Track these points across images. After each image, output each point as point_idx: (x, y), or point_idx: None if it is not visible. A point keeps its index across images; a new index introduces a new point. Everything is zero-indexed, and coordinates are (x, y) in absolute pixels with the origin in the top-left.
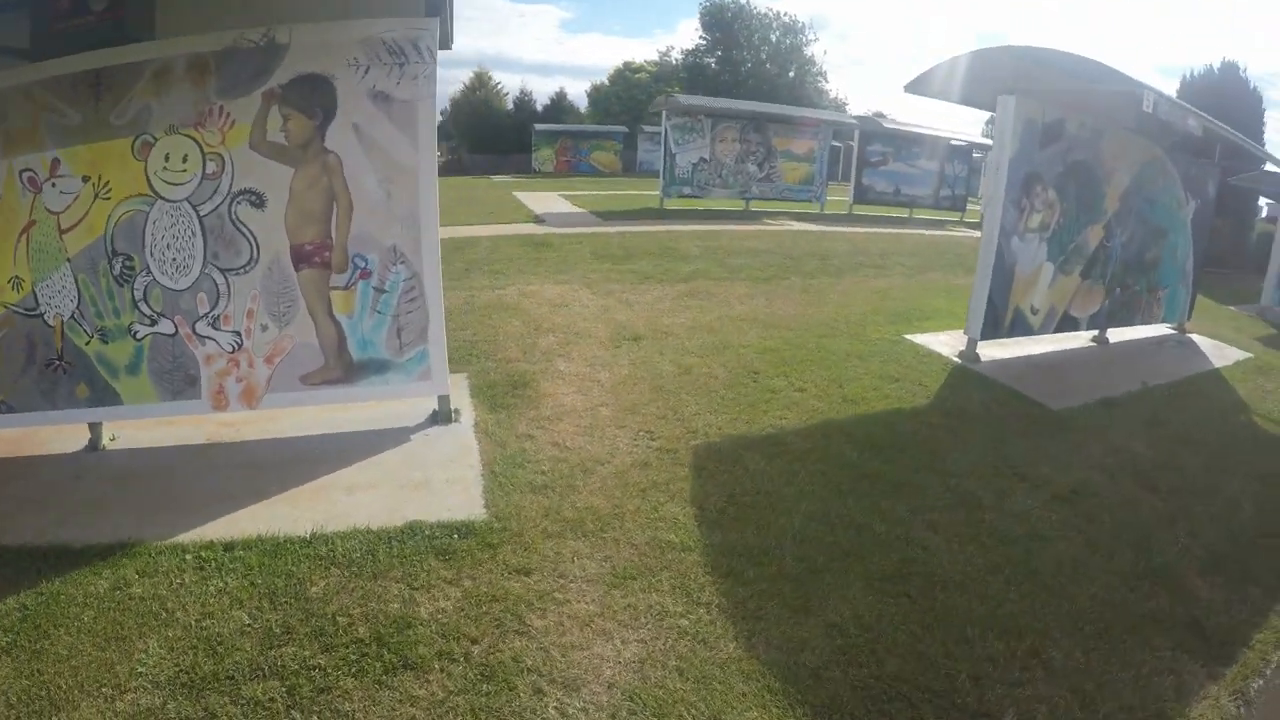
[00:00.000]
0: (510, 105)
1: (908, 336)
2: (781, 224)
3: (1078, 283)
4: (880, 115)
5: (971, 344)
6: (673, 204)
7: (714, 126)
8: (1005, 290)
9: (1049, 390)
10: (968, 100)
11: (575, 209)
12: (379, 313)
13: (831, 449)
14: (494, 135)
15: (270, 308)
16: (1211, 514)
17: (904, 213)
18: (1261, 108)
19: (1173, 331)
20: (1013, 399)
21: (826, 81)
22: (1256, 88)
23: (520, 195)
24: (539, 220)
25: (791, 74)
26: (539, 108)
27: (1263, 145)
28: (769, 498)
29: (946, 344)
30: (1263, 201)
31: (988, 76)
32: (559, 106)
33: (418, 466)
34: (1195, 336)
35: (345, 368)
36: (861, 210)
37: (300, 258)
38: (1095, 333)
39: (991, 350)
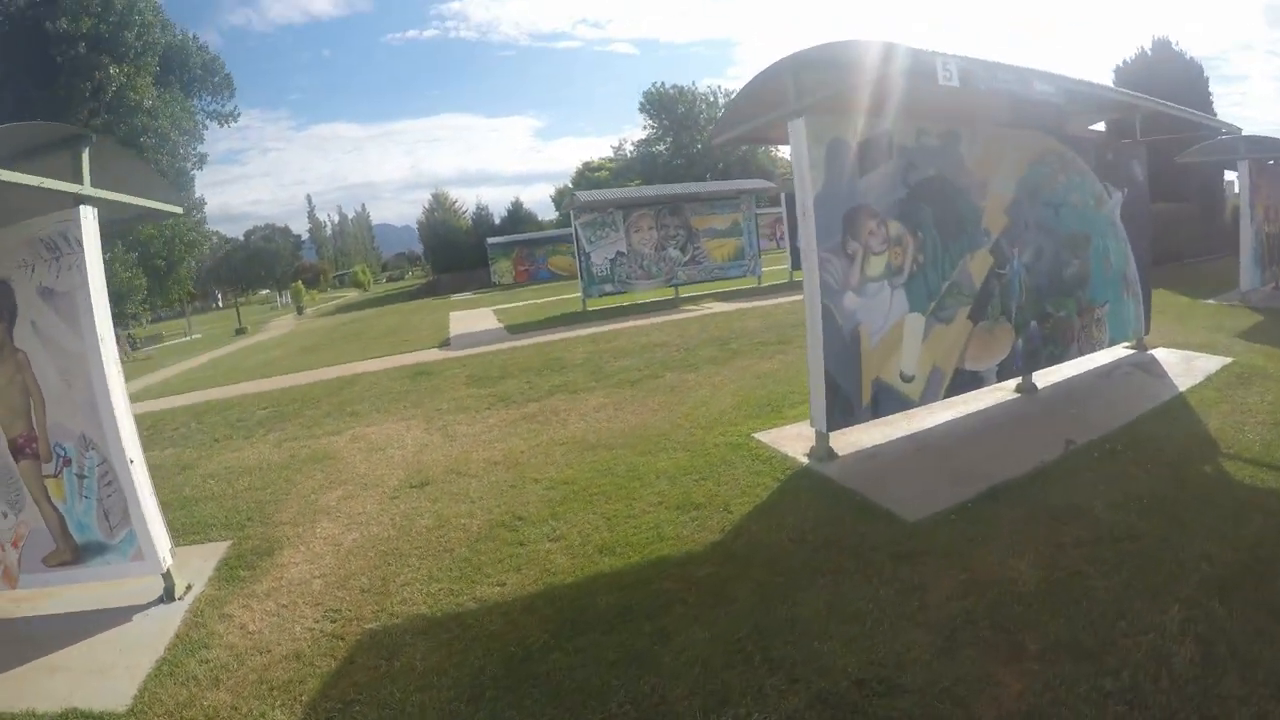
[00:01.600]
0: (470, 221)
1: (757, 435)
2: (702, 308)
3: (967, 329)
4: None
5: (821, 439)
6: (596, 304)
7: (626, 217)
8: (852, 363)
9: (915, 488)
10: (774, 138)
11: (494, 325)
12: (85, 497)
13: (512, 631)
14: (456, 253)
15: (5, 496)
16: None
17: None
18: (1204, 78)
19: (1131, 352)
20: (852, 514)
21: (778, 148)
22: (1195, 59)
23: (455, 315)
24: (445, 344)
25: (744, 146)
26: (496, 220)
27: (1212, 112)
28: (386, 711)
29: (801, 439)
30: (1230, 176)
31: (775, 102)
32: (516, 216)
33: (115, 650)
34: (1159, 352)
35: (72, 550)
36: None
37: (16, 450)
38: (1019, 381)
39: (863, 435)
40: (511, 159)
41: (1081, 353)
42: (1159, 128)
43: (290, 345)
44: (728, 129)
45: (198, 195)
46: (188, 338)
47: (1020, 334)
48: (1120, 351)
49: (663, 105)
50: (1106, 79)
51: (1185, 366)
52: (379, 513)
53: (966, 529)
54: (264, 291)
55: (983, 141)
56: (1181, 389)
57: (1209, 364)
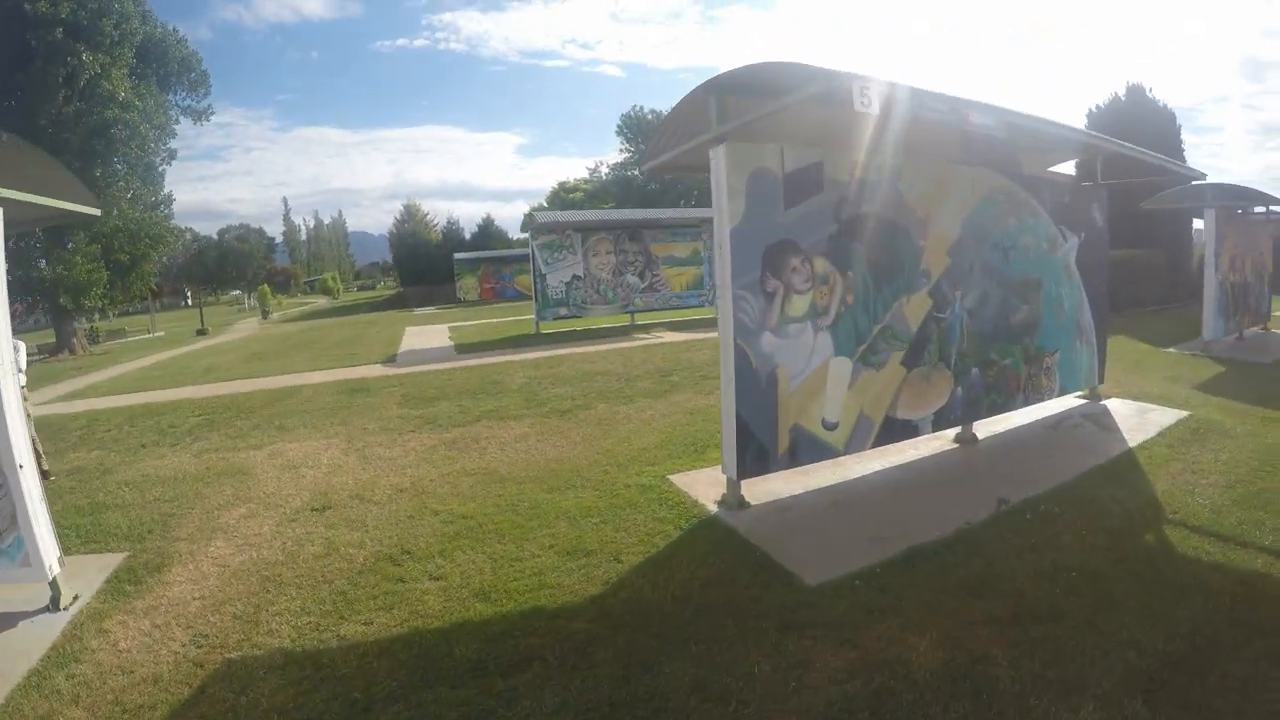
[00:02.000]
0: (440, 235)
1: (672, 477)
2: (653, 336)
3: (900, 375)
4: None
5: (732, 487)
6: (549, 327)
7: (585, 240)
8: (767, 407)
9: (824, 547)
10: (700, 166)
11: (445, 344)
12: None
13: (363, 676)
14: (425, 266)
15: None
16: None
17: None
18: (1176, 126)
19: (1083, 402)
20: (749, 572)
21: None
22: (1168, 106)
23: (410, 330)
24: (390, 360)
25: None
26: (467, 235)
27: (1182, 159)
28: None
29: (716, 485)
30: (1199, 224)
31: (699, 128)
32: (487, 232)
33: None
34: (1113, 403)
35: None
36: None
37: None
38: (958, 431)
39: (782, 484)
40: (494, 174)
41: (1028, 402)
42: (1123, 171)
43: (244, 350)
44: (655, 155)
45: (166, 191)
46: (150, 335)
47: (960, 382)
48: (1072, 401)
49: (640, 129)
50: (1080, 123)
51: (1138, 419)
52: (273, 535)
53: (869, 598)
54: (235, 292)
55: (926, 177)
56: (1131, 444)
57: (1164, 417)
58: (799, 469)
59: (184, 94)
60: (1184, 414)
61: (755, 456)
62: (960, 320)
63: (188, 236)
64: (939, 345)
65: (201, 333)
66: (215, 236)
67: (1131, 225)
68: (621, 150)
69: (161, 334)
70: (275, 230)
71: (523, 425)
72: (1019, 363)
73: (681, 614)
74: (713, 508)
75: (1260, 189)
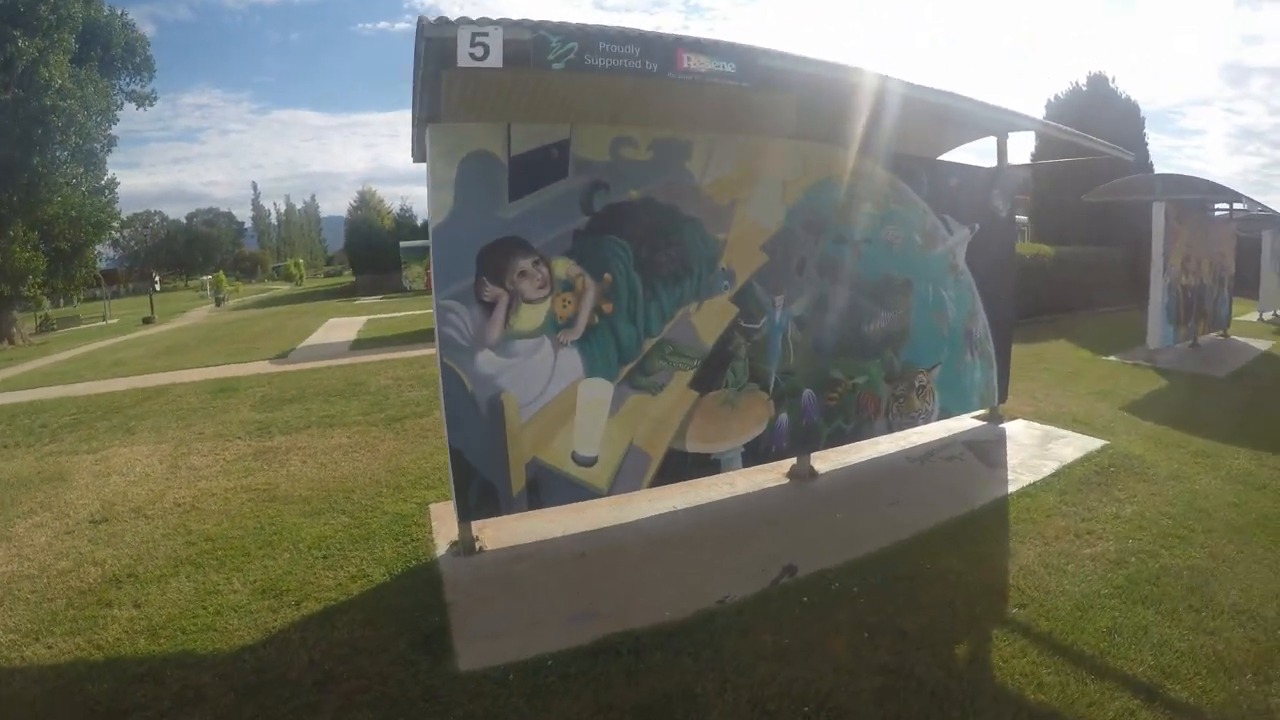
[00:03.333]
0: (394, 222)
1: (433, 506)
2: None
3: (690, 400)
4: None
5: (463, 529)
6: None
7: None
8: (492, 440)
9: (521, 618)
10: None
11: (348, 338)
12: None
13: None
14: (377, 254)
15: None
16: None
17: None
18: (1140, 118)
19: (980, 424)
20: (408, 644)
21: None
22: (1130, 98)
23: (331, 321)
24: (283, 356)
25: None
26: (419, 222)
27: (1147, 164)
28: None
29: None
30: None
31: (421, 109)
32: None
33: None
34: (1016, 426)
35: None
36: None
37: None
38: (793, 463)
39: (545, 523)
40: (406, 158)
41: (895, 428)
42: (1079, 157)
43: (167, 342)
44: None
45: (109, 176)
46: (104, 322)
47: (784, 407)
48: (967, 423)
49: None
50: (1039, 113)
51: (1038, 451)
52: (45, 547)
53: (507, 703)
54: (205, 278)
55: (728, 155)
56: (1012, 488)
57: (1070, 448)
58: (581, 504)
59: (128, 78)
60: (1099, 444)
61: (481, 496)
62: (783, 332)
63: (156, 220)
64: (750, 363)
65: (148, 321)
66: (184, 221)
67: (1087, 220)
68: None
69: (115, 321)
70: (247, 214)
71: (345, 434)
72: (878, 382)
73: (300, 685)
74: (443, 550)
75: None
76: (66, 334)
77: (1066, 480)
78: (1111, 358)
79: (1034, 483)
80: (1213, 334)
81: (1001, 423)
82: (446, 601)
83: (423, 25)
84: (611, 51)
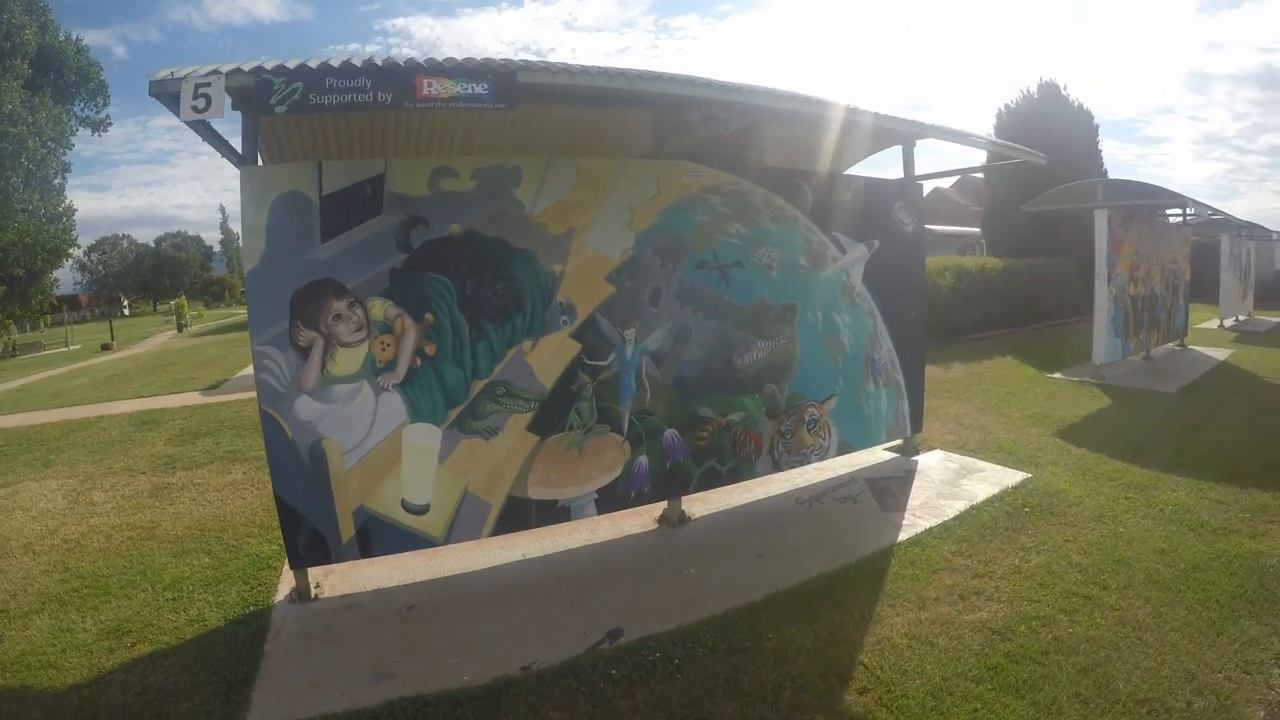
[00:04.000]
0: None
1: None
2: None
3: (530, 444)
4: None
5: (299, 575)
6: None
7: None
8: (316, 487)
9: (313, 679)
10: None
11: None
12: None
13: None
14: None
15: None
16: None
17: None
18: (1094, 125)
19: (892, 457)
20: (206, 698)
21: None
22: (1083, 106)
23: None
24: (214, 387)
25: None
26: None
27: (1101, 171)
28: None
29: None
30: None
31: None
32: None
33: None
34: (932, 458)
35: None
36: None
37: None
38: (665, 508)
39: (389, 570)
40: None
41: (784, 466)
42: (1032, 171)
43: (115, 370)
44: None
45: (66, 202)
46: (65, 348)
47: (643, 449)
48: (881, 455)
49: None
50: (988, 125)
51: (949, 486)
52: None
53: None
54: (173, 302)
55: (565, 179)
56: (906, 534)
57: (984, 484)
58: (428, 551)
59: (82, 104)
60: (1019, 478)
61: (310, 544)
62: (636, 368)
63: (124, 244)
64: (597, 403)
65: (106, 347)
66: (153, 244)
67: (1041, 231)
68: None
69: (77, 347)
70: (216, 238)
71: (242, 470)
72: (757, 418)
73: None
74: (282, 596)
75: (1202, 198)
76: (26, 360)
77: (970, 524)
78: (1056, 375)
79: (931, 528)
80: (1170, 344)
81: (916, 455)
82: (264, 651)
83: (150, 82)
84: (340, 87)
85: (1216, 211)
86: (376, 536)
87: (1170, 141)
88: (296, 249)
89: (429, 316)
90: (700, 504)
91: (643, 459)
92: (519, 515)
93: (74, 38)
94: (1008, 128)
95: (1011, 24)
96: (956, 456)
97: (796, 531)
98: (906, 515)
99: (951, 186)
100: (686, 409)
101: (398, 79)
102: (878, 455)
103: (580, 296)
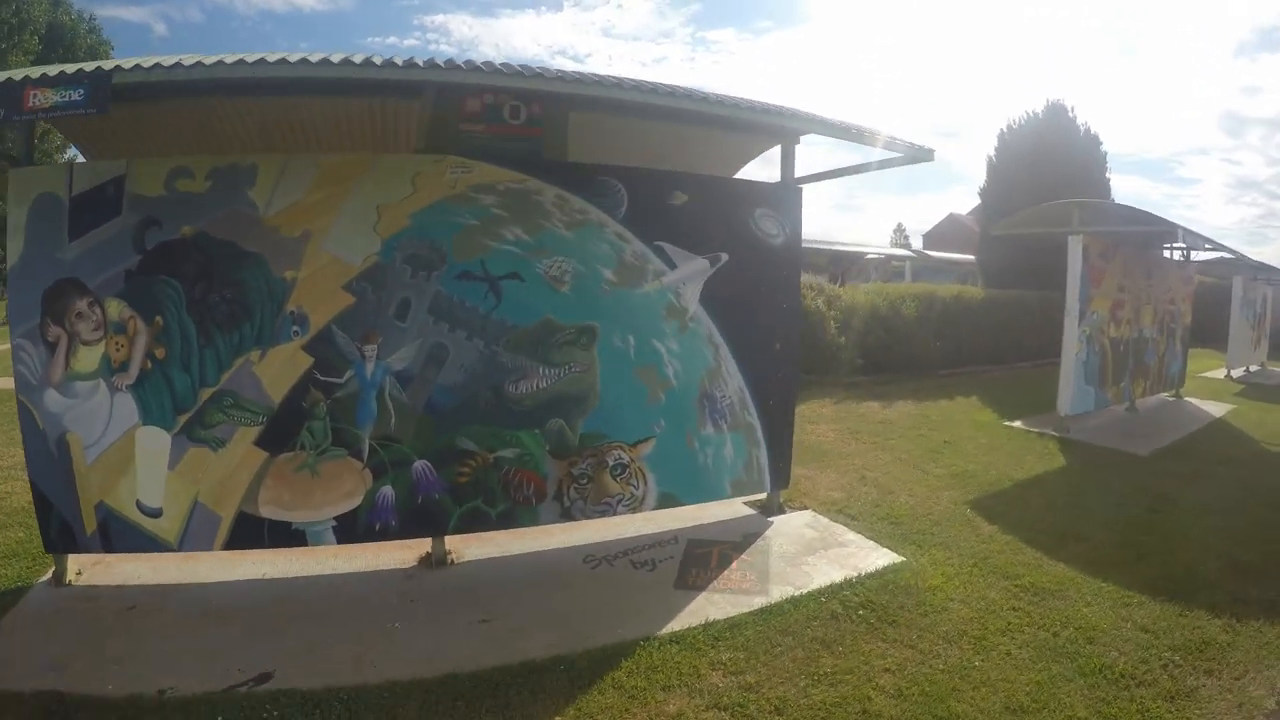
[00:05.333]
0: None
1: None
2: None
3: (258, 460)
4: None
5: (58, 559)
6: None
7: None
8: (63, 477)
9: (39, 655)
10: None
11: None
12: None
13: None
14: None
15: None
16: None
17: None
18: (1102, 151)
19: (749, 514)
20: None
21: None
22: (1089, 128)
23: None
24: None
25: None
26: None
27: (1107, 192)
28: None
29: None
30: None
31: None
32: None
33: None
34: (797, 520)
35: None
36: None
37: None
38: (432, 544)
39: (149, 566)
40: None
41: (578, 515)
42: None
43: None
44: None
45: None
46: None
47: (386, 479)
48: (739, 510)
49: None
50: (990, 146)
51: (783, 564)
52: None
53: None
54: None
55: (306, 178)
56: (679, 624)
57: (837, 565)
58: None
59: None
60: (886, 561)
61: (61, 532)
62: (377, 389)
63: None
64: (331, 424)
65: None
66: None
67: (1033, 260)
68: None
69: None
70: None
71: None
72: (538, 457)
73: None
74: (44, 579)
75: (1232, 243)
76: None
77: (774, 622)
78: (1015, 424)
79: (714, 621)
80: (1163, 394)
81: (777, 515)
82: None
83: None
84: None
85: (1216, 245)
86: (116, 533)
87: (1202, 183)
88: (48, 248)
89: (158, 319)
90: (483, 545)
91: (387, 490)
92: (251, 533)
93: (86, 16)
94: (1009, 150)
95: (1051, 56)
96: (826, 522)
97: (557, 597)
98: (701, 596)
99: (968, 213)
100: (442, 440)
101: (9, 94)
102: (732, 510)
103: (314, 306)
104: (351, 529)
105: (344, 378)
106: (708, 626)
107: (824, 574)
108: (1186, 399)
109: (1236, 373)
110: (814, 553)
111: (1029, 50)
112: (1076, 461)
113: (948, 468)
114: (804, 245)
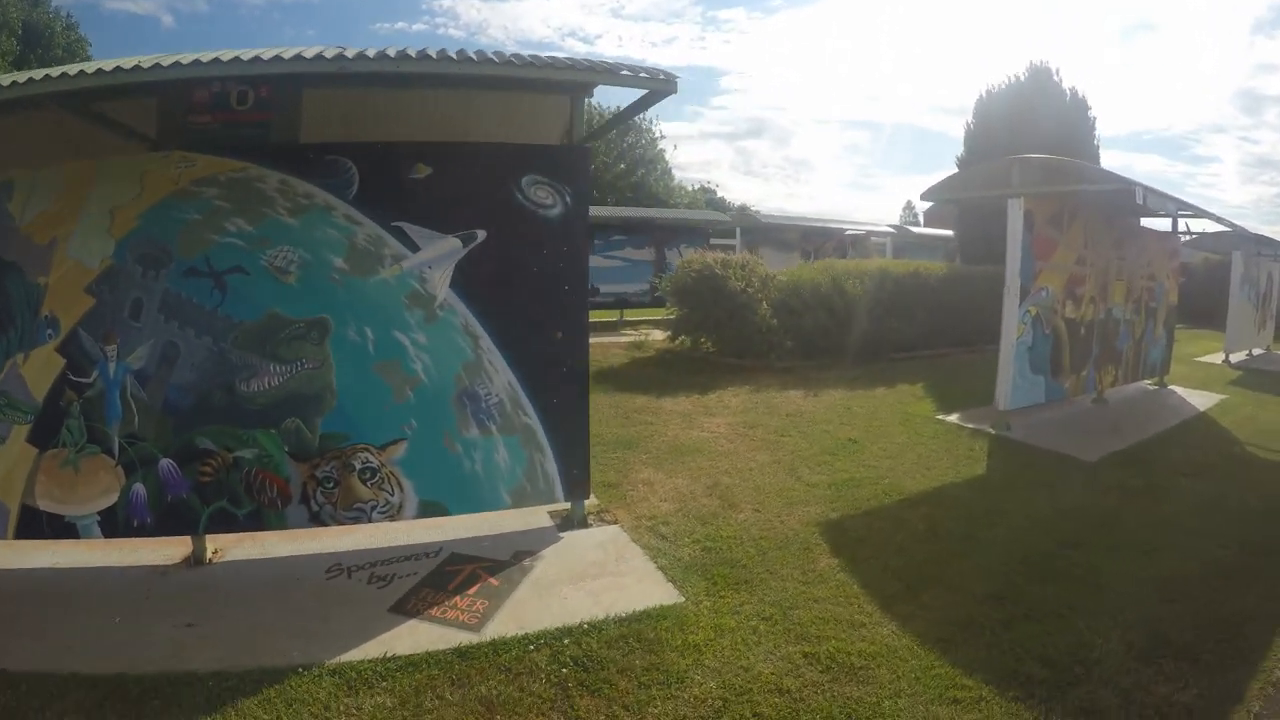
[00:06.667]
0: None
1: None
2: None
3: (30, 455)
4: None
5: None
6: None
7: None
8: None
9: None
10: None
11: None
12: None
13: None
14: None
15: None
16: None
17: (614, 315)
18: (1090, 116)
19: (544, 526)
20: None
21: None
22: (1079, 93)
23: None
24: None
25: (641, 171)
26: None
27: (1096, 161)
28: None
29: None
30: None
31: None
32: None
33: None
34: (595, 538)
35: None
36: None
37: None
38: (191, 549)
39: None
40: None
41: (329, 521)
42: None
43: None
44: None
45: None
46: None
47: (139, 476)
48: (540, 520)
49: None
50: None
51: (536, 592)
52: None
53: None
54: None
55: (56, 186)
56: (354, 654)
57: (595, 599)
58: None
59: None
60: (657, 601)
61: None
62: (120, 388)
63: None
64: (85, 421)
65: None
66: None
67: (1004, 233)
68: None
69: None
70: None
71: None
72: (278, 458)
73: None
74: None
75: (1248, 223)
76: None
77: (453, 671)
78: (951, 417)
79: (391, 657)
80: (1147, 382)
81: (578, 529)
82: None
83: None
84: None
85: (1195, 210)
86: None
87: (1219, 161)
88: None
89: None
90: (251, 546)
91: (139, 487)
92: (35, 524)
93: (63, 14)
94: (989, 115)
95: (1065, 30)
96: (624, 541)
97: (271, 608)
98: (410, 624)
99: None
100: (181, 439)
101: None
102: (528, 521)
103: (63, 309)
104: (114, 524)
105: (91, 378)
106: (385, 662)
107: (570, 610)
108: (1171, 388)
109: (1236, 357)
110: (579, 581)
111: (1043, 22)
112: (1000, 469)
113: (832, 474)
114: (771, 221)
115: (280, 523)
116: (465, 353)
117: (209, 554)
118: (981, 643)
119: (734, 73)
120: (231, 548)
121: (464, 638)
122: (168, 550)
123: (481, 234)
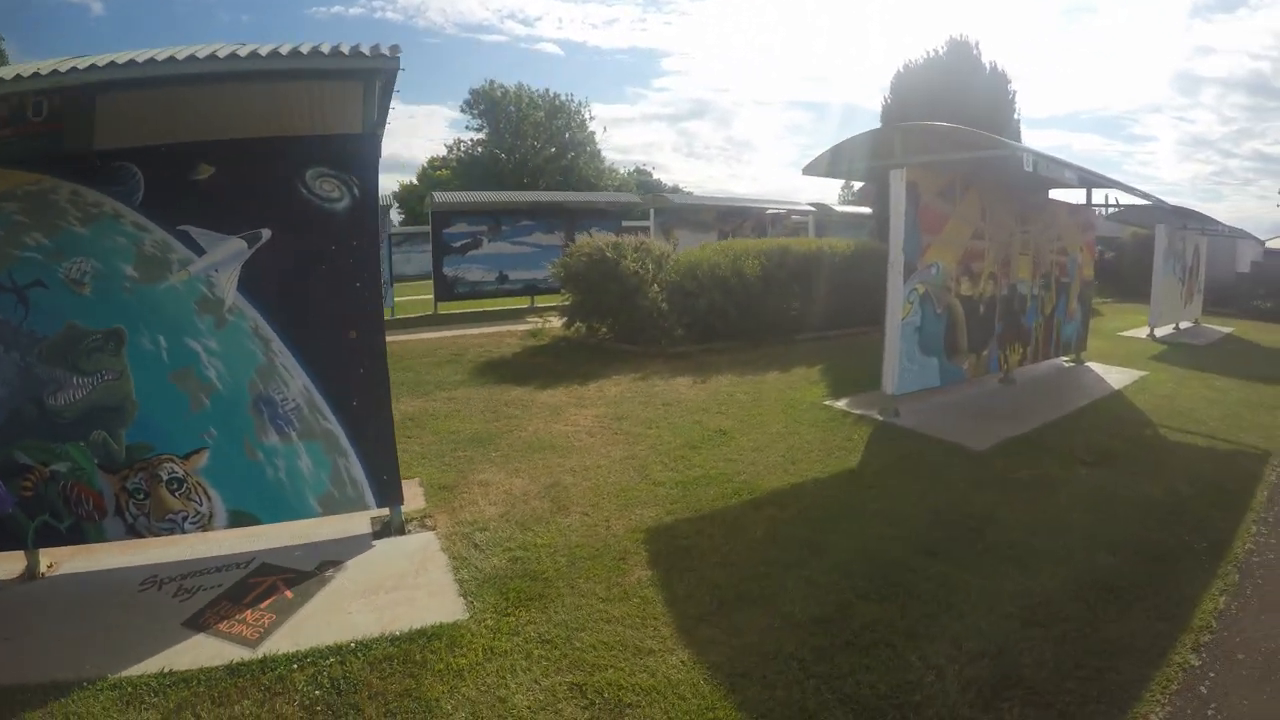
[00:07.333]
0: None
1: None
2: None
3: None
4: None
5: None
6: None
7: None
8: None
9: None
10: None
11: None
12: None
13: None
14: None
15: None
16: None
17: (524, 302)
18: (1010, 91)
19: (362, 534)
20: None
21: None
22: (999, 67)
23: None
24: None
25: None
26: None
27: (1016, 137)
28: None
29: None
30: (1062, 195)
31: None
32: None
33: None
34: (408, 545)
35: None
36: (454, 308)
37: None
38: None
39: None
40: (426, 147)
41: (146, 533)
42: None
43: None
44: None
45: None
46: None
47: None
48: (329, 530)
49: (492, 104)
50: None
51: (315, 607)
52: None
53: None
54: None
55: None
56: (122, 671)
57: (379, 616)
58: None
59: None
60: (438, 619)
61: None
62: None
63: None
64: None
65: None
66: None
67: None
68: (469, 127)
69: None
70: None
71: None
72: (90, 472)
73: None
74: None
75: (1186, 200)
76: None
77: (213, 690)
78: (840, 403)
79: (168, 673)
80: (1063, 359)
81: (394, 536)
82: None
83: None
84: None
85: (1093, 177)
86: None
87: (1156, 140)
88: None
89: None
90: (87, 558)
91: None
92: None
93: None
94: (906, 90)
95: (1003, 14)
96: (434, 550)
97: (71, 622)
98: (198, 638)
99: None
100: (2, 454)
101: None
102: (346, 529)
103: None
104: None
105: None
106: (162, 677)
107: (351, 626)
108: (1088, 365)
109: (1161, 331)
110: (373, 594)
111: (985, 2)
112: (875, 461)
113: (687, 470)
114: (685, 201)
115: (99, 535)
116: (257, 357)
117: (43, 568)
118: (783, 679)
119: (675, 54)
120: (65, 561)
121: (239, 654)
122: (11, 565)
123: (266, 233)
